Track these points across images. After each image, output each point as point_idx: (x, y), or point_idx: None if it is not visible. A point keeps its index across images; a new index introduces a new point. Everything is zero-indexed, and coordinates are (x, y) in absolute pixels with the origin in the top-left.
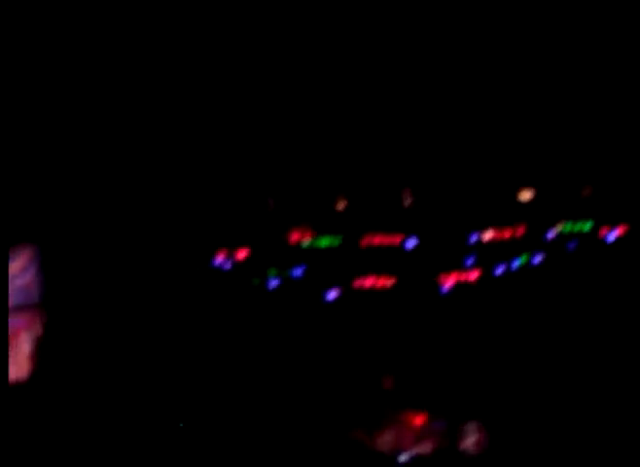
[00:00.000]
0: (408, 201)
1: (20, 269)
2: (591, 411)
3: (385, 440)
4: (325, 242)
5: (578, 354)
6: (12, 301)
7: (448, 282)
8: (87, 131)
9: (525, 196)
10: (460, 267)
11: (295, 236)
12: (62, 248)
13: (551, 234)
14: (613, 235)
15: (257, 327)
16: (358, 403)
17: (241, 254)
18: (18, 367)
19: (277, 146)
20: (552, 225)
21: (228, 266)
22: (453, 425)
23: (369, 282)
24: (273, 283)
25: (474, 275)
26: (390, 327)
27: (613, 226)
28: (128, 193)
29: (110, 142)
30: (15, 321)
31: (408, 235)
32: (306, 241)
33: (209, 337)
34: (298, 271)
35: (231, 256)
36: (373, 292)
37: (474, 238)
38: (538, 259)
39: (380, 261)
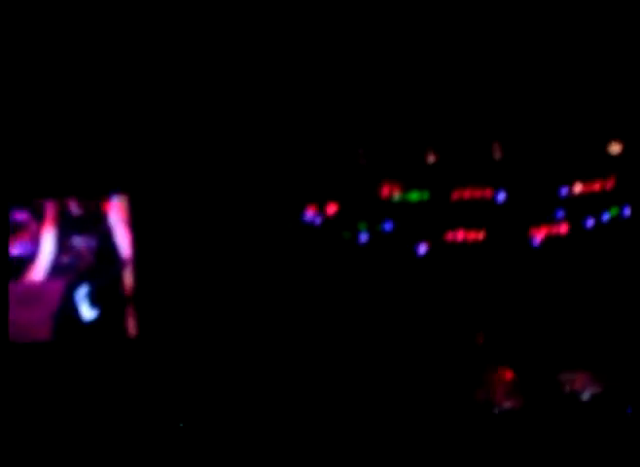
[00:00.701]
0: (497, 155)
1: None
2: None
3: (478, 395)
4: (415, 196)
5: None
6: None
7: (539, 235)
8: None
9: (615, 148)
10: (550, 220)
11: (385, 190)
12: (154, 200)
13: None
14: None
15: (347, 281)
16: (450, 358)
17: (331, 208)
18: None
19: (366, 100)
20: None
21: (318, 221)
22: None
23: (459, 236)
24: (364, 237)
25: (564, 228)
26: (481, 281)
27: None
28: (217, 145)
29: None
30: None
31: (497, 189)
32: (397, 195)
33: (298, 291)
34: (388, 225)
35: (321, 210)
36: (463, 246)
37: (564, 191)
38: (628, 211)
39: (471, 214)
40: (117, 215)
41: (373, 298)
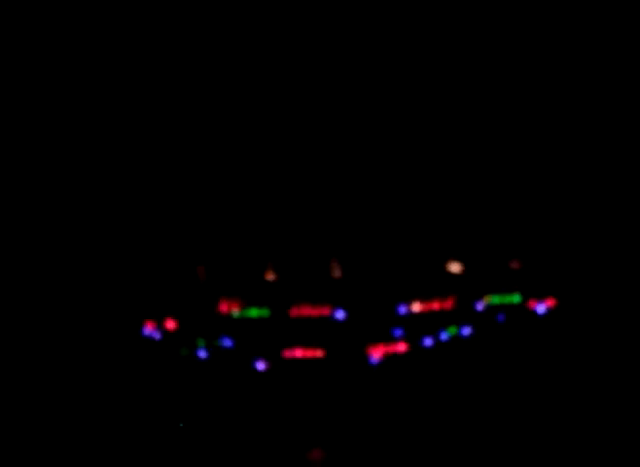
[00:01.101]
0: (336, 273)
1: None
2: None
3: None
4: (254, 313)
5: (506, 424)
6: None
7: (377, 353)
8: None
9: (454, 267)
10: (388, 338)
11: (224, 307)
12: None
13: (479, 307)
14: (542, 308)
15: (186, 396)
16: None
17: (170, 324)
18: None
19: (204, 215)
20: (481, 297)
21: (157, 335)
22: None
23: (298, 353)
24: (202, 353)
25: (402, 347)
26: (319, 397)
27: (541, 298)
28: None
29: None
30: None
31: (336, 307)
32: (236, 312)
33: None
34: (227, 342)
35: (160, 326)
36: (302, 362)
37: (402, 310)
38: (467, 331)
39: (309, 332)
40: None
41: (210, 412)
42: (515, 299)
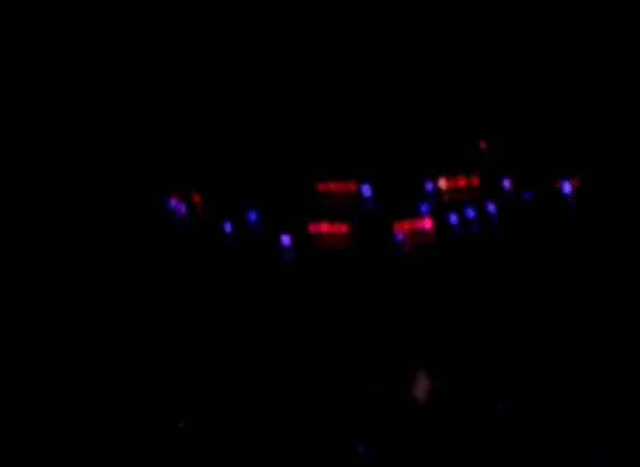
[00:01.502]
0: (362, 147)
1: None
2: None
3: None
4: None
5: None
6: None
7: (402, 230)
8: None
9: (481, 145)
10: (414, 214)
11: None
12: None
13: (505, 184)
14: (568, 187)
15: (215, 269)
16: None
17: (196, 198)
18: None
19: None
20: (508, 174)
21: (183, 209)
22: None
23: (324, 227)
24: (227, 227)
25: (428, 223)
26: (345, 273)
27: (568, 177)
28: None
29: None
30: None
31: (362, 182)
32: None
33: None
34: (252, 216)
35: (185, 199)
36: (327, 237)
37: (428, 186)
38: (492, 208)
39: (336, 206)
40: None
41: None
42: (542, 177)
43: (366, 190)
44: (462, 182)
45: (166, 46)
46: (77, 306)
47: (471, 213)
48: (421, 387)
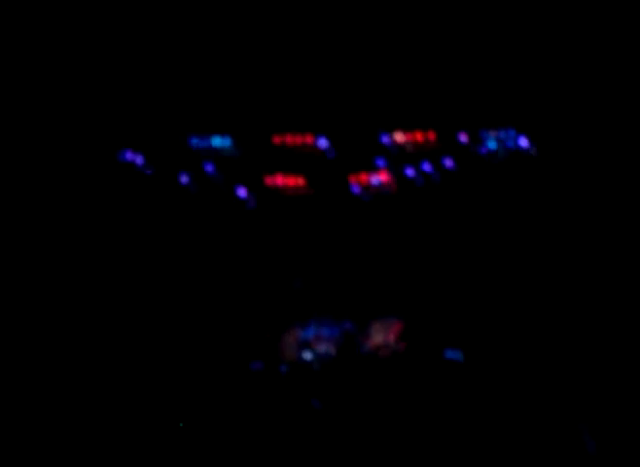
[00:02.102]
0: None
1: None
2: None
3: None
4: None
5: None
6: None
7: (358, 183)
8: None
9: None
10: (370, 168)
11: None
12: None
13: (463, 138)
14: (525, 141)
15: (169, 227)
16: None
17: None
18: None
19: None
20: (465, 129)
21: (139, 160)
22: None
23: (279, 180)
24: (184, 179)
25: (384, 177)
26: (302, 227)
27: (524, 132)
28: None
29: None
30: None
31: (319, 135)
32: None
33: None
34: (209, 168)
35: (141, 151)
36: (283, 191)
37: (385, 139)
38: (449, 162)
39: (291, 159)
40: None
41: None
42: (500, 133)
43: (323, 142)
44: (419, 136)
45: None
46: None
47: (427, 167)
48: (377, 338)
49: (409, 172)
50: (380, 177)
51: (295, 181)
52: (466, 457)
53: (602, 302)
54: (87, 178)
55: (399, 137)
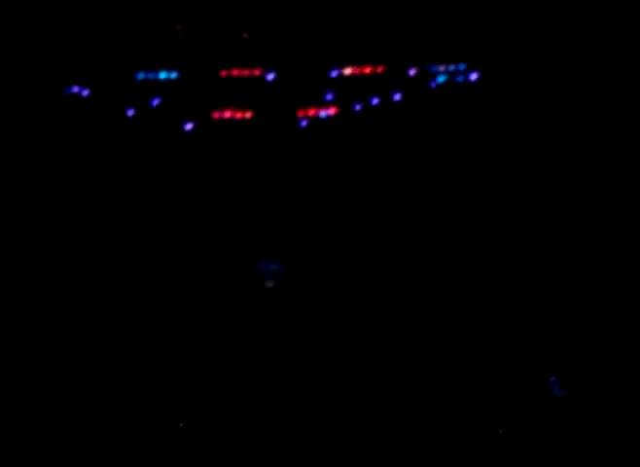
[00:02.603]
0: (267, 34)
1: None
2: None
3: None
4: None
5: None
6: None
7: (306, 117)
8: None
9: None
10: (319, 102)
11: None
12: None
13: (411, 72)
14: (475, 75)
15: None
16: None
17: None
18: None
19: None
20: (414, 63)
21: (85, 92)
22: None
23: (227, 114)
24: (130, 112)
25: (332, 111)
26: (248, 160)
27: (474, 67)
28: None
29: None
30: None
31: (267, 69)
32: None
33: None
34: (156, 101)
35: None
36: (231, 124)
37: (334, 74)
38: (397, 96)
39: (239, 93)
40: None
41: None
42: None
43: (270, 76)
44: (367, 70)
45: None
46: None
47: (375, 101)
48: None
49: (357, 107)
50: (329, 111)
51: (242, 115)
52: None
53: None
54: (35, 113)
55: (348, 71)
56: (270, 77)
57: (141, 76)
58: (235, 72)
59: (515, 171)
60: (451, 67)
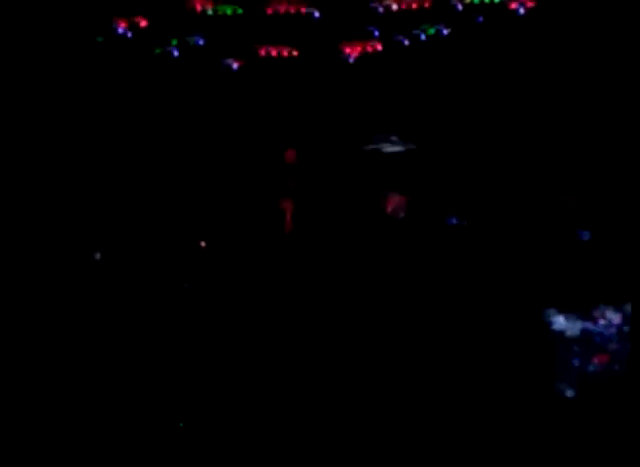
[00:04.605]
0: None
1: None
2: None
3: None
4: (229, 10)
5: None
6: None
7: (354, 53)
8: None
9: None
10: (366, 37)
11: (196, 4)
12: None
13: (459, 7)
14: (523, 8)
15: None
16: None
17: (143, 22)
18: None
19: None
20: None
21: (130, 35)
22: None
23: (273, 52)
24: (175, 53)
25: (378, 46)
26: (295, 96)
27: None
28: None
29: None
30: None
31: (312, 5)
32: (209, 9)
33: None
34: (199, 40)
35: (132, 25)
36: (277, 61)
37: (379, 9)
38: (445, 31)
39: (284, 31)
40: None
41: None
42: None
43: (315, 13)
44: (414, 4)
45: None
46: None
47: (422, 36)
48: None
49: (404, 41)
50: (375, 46)
51: (288, 52)
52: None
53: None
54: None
55: (393, 6)
56: (316, 14)
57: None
58: (281, 8)
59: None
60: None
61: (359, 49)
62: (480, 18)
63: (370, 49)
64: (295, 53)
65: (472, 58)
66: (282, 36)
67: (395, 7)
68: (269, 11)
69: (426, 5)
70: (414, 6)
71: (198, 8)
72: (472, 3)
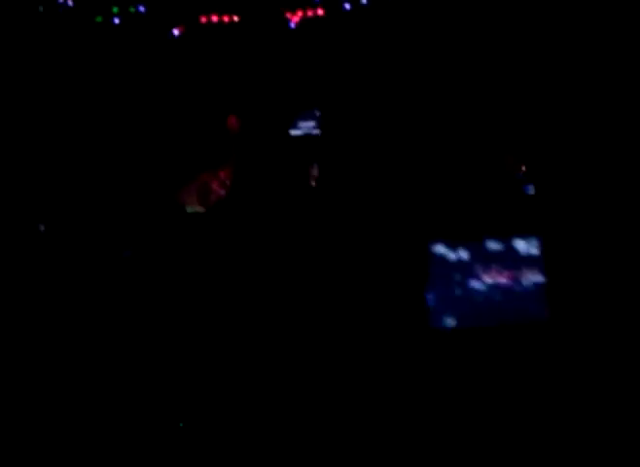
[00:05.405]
0: None
1: None
2: None
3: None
4: None
5: None
6: None
7: (295, 18)
8: None
9: None
10: (306, 3)
11: None
12: None
13: None
14: None
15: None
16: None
17: None
18: None
19: None
20: None
21: (70, 3)
22: None
23: (214, 18)
24: (116, 20)
25: (320, 11)
26: (236, 65)
27: None
28: None
29: None
30: None
31: None
32: None
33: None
34: (141, 8)
35: None
36: (218, 27)
37: None
38: None
39: None
40: None
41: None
42: None
43: None
44: None
45: None
46: None
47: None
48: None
49: (346, 6)
50: (317, 12)
51: (230, 19)
52: None
53: None
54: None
55: None
56: None
57: None
58: None
59: None
60: None
61: (300, 13)
62: None
63: (310, 13)
64: (235, 18)
65: (420, 24)
66: (223, 2)
67: None
68: None
69: None
70: None
71: None
72: None
